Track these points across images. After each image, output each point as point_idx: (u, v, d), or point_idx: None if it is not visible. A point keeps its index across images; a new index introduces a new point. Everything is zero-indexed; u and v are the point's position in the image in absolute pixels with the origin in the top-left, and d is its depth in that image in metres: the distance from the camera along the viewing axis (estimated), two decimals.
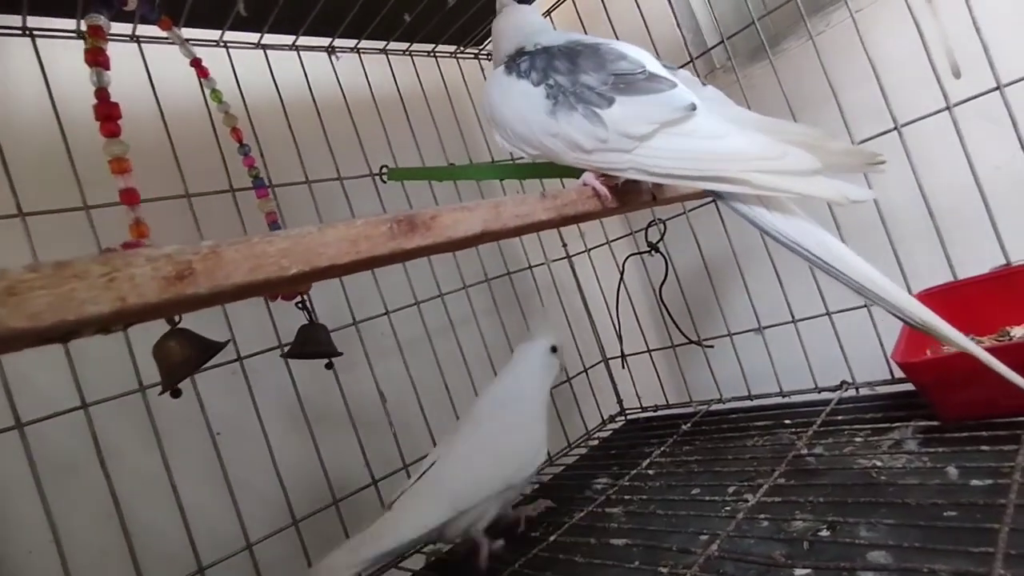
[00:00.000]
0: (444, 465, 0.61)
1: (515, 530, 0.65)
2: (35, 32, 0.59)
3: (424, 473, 0.61)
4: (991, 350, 0.55)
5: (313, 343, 0.65)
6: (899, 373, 0.68)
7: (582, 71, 0.44)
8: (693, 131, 0.41)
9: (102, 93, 0.51)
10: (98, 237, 0.57)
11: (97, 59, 0.51)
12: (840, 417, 0.68)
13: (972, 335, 0.64)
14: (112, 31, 0.57)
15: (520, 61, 0.48)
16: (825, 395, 0.77)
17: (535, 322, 0.78)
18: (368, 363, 0.75)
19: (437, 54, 0.95)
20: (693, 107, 0.41)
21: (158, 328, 0.52)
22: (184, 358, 0.51)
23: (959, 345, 0.39)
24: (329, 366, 0.68)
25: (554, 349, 0.72)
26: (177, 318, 0.52)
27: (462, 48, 0.98)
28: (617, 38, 0.49)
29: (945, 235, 0.68)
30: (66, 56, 0.59)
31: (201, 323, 0.55)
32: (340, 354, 0.67)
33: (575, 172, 0.59)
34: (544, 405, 0.69)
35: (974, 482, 0.46)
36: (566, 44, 0.48)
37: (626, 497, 0.66)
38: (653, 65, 0.45)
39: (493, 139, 0.52)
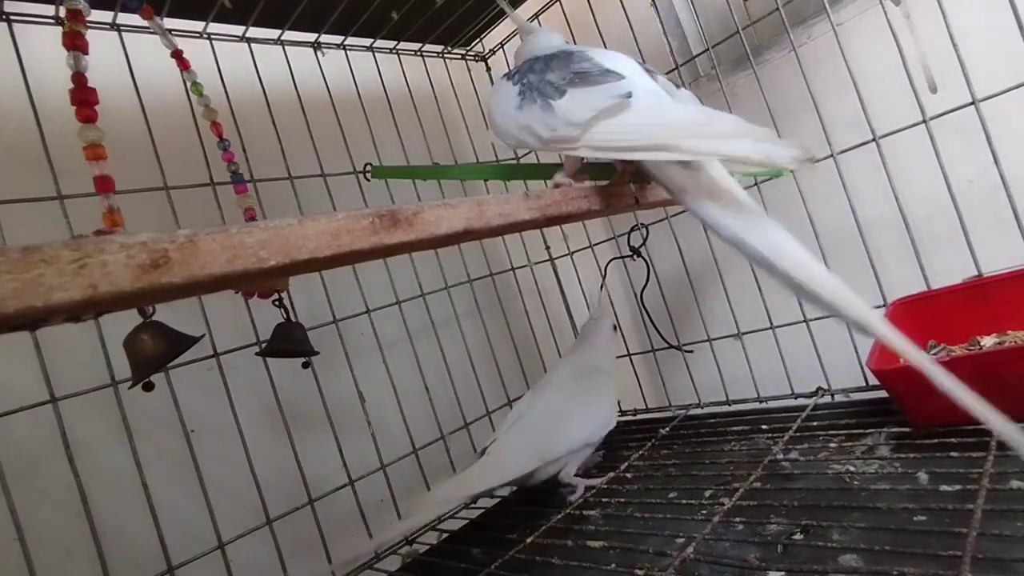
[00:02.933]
0: (534, 419, 0.70)
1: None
2: (12, 17, 0.58)
3: (515, 423, 0.70)
4: (960, 359, 0.57)
5: (289, 341, 0.64)
6: (873, 380, 0.70)
7: (551, 70, 0.47)
8: (632, 111, 0.43)
9: (79, 78, 0.50)
10: (72, 228, 0.56)
11: (75, 43, 0.50)
12: (815, 423, 0.69)
13: (944, 344, 0.66)
14: (92, 18, 0.55)
15: (516, 70, 0.51)
16: (801, 401, 0.78)
17: (595, 303, 0.89)
18: (347, 362, 0.74)
19: (424, 53, 0.94)
20: (629, 95, 0.43)
21: (132, 318, 0.51)
22: (156, 351, 0.50)
23: (910, 357, 0.38)
24: (306, 365, 0.67)
25: (615, 327, 0.84)
26: (150, 311, 0.51)
27: (449, 48, 0.98)
28: (604, 43, 0.50)
29: (919, 246, 0.69)
30: (44, 44, 0.57)
31: (178, 317, 0.54)
32: (316, 353, 0.67)
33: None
34: (612, 377, 0.79)
35: (943, 487, 0.47)
36: (553, 51, 0.50)
37: (604, 500, 0.66)
38: (622, 66, 0.46)
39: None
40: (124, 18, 0.63)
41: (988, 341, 0.63)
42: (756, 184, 0.77)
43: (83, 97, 0.50)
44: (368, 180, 0.79)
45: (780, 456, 0.62)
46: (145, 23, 0.60)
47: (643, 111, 0.43)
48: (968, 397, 0.32)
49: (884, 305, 0.71)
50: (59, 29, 0.56)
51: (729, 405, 0.86)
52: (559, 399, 0.73)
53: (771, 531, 0.49)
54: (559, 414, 0.71)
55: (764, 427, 0.73)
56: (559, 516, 0.64)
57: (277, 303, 0.64)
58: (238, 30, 0.73)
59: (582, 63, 0.47)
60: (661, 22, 0.90)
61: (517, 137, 0.49)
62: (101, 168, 0.50)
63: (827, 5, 0.71)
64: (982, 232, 0.67)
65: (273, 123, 0.74)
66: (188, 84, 0.63)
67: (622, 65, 0.47)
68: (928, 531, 0.42)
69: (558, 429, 0.69)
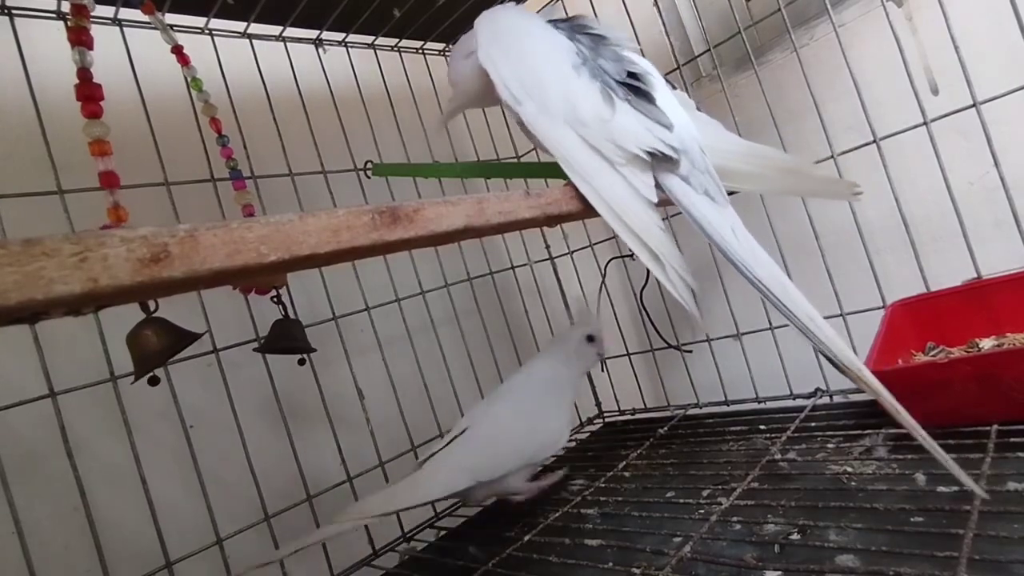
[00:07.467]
0: (472, 436, 0.65)
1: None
2: (13, 10, 0.58)
3: (454, 439, 0.65)
4: (959, 361, 0.57)
5: (286, 338, 0.64)
6: None
7: (600, 56, 0.44)
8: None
9: (84, 73, 0.50)
10: (72, 222, 0.56)
11: (80, 38, 0.50)
12: (813, 424, 0.69)
13: (943, 346, 0.66)
14: (93, 13, 0.55)
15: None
16: (799, 402, 0.78)
17: (577, 311, 0.87)
18: (347, 359, 0.74)
19: (426, 51, 0.94)
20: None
21: (131, 314, 0.51)
22: (159, 347, 0.50)
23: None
24: (302, 362, 0.67)
25: (591, 339, 0.76)
26: (153, 306, 0.51)
27: (451, 46, 0.98)
28: None
29: (919, 247, 0.69)
30: (46, 37, 0.57)
31: (177, 313, 0.55)
32: (313, 350, 0.67)
33: (561, 173, 0.59)
34: (572, 390, 0.74)
35: (941, 489, 0.47)
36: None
37: (602, 499, 0.66)
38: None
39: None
40: (126, 13, 0.63)
41: (987, 343, 0.63)
42: None
43: (88, 93, 0.50)
44: (369, 177, 0.79)
45: (778, 456, 0.63)
46: (147, 18, 0.60)
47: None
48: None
49: (883, 306, 0.71)
50: (60, 23, 0.57)
51: (727, 405, 0.86)
52: (503, 414, 0.68)
53: (768, 531, 0.49)
54: (499, 431, 0.66)
55: (762, 427, 0.73)
56: (557, 514, 0.65)
57: (275, 299, 0.64)
58: (239, 26, 0.73)
59: (634, 63, 0.43)
60: (663, 22, 0.90)
61: (549, 97, 0.43)
62: (106, 163, 0.50)
63: (829, 6, 0.71)
64: (982, 234, 0.67)
65: (274, 120, 0.74)
66: (188, 80, 0.63)
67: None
68: (925, 532, 0.42)
69: (496, 448, 0.65)
